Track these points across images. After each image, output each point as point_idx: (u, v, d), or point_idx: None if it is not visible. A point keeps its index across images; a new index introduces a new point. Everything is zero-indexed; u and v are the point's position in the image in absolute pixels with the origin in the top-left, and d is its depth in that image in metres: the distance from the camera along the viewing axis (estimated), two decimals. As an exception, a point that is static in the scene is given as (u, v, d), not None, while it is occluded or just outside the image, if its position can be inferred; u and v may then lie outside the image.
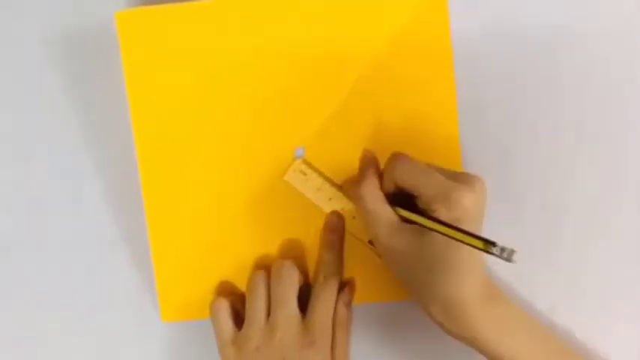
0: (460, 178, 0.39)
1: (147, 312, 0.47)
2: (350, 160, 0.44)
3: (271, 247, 0.45)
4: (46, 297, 0.47)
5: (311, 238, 0.45)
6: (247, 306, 0.43)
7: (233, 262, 0.45)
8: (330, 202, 0.44)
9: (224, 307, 0.43)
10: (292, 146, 0.45)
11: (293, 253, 0.45)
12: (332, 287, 0.43)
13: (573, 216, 0.46)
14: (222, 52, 0.44)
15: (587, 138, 0.46)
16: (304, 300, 0.43)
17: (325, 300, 0.43)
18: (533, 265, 0.46)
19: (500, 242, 0.35)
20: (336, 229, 0.44)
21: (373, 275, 0.45)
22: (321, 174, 0.44)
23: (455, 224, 0.37)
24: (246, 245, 0.45)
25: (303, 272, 0.45)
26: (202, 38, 0.44)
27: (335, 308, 0.43)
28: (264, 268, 0.44)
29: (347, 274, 0.45)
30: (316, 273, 0.44)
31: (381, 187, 0.41)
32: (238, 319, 0.44)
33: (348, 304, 0.44)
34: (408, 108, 0.44)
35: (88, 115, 0.47)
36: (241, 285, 0.45)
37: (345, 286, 0.44)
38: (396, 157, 0.41)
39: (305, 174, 0.44)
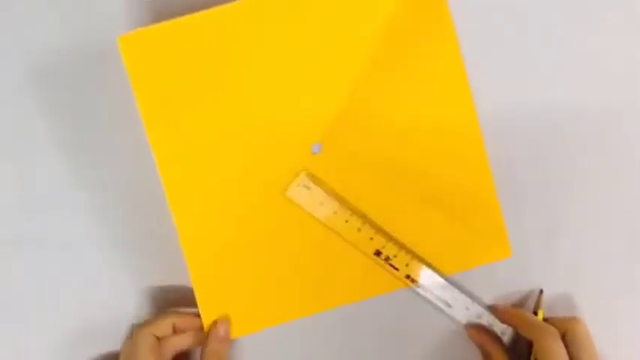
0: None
1: (146, 313, 0.47)
2: (366, 154, 0.44)
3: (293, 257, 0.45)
4: (45, 297, 0.47)
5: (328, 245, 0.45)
6: None
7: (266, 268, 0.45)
8: (336, 215, 0.44)
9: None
10: (309, 143, 0.44)
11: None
12: None
13: (573, 216, 0.47)
14: (228, 60, 0.43)
15: (588, 138, 0.46)
16: None
17: None
18: (533, 265, 0.46)
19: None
20: None
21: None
22: (325, 188, 0.44)
23: None
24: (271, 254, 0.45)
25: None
26: (206, 48, 0.43)
27: None
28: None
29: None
30: None
31: None
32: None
33: None
34: (419, 101, 0.44)
35: (90, 117, 0.46)
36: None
37: None
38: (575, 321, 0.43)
39: (309, 188, 0.44)
